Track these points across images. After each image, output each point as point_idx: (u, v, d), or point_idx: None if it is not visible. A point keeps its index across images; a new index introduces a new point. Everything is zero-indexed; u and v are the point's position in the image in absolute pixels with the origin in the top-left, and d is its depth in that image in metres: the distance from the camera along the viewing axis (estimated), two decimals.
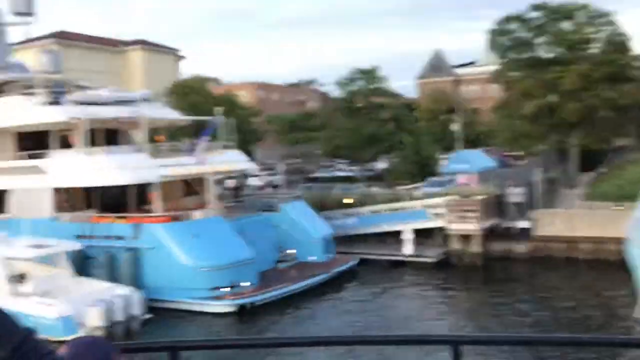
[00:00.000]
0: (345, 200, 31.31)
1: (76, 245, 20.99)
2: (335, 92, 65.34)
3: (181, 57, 75.94)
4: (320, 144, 59.36)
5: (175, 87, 59.37)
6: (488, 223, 27.43)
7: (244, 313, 20.84)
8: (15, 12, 32.51)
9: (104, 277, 21.66)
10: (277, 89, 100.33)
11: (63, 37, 64.73)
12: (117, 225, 22.80)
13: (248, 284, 21.63)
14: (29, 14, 32.77)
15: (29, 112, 25.73)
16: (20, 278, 20.70)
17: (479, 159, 40.14)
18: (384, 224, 28.70)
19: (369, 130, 53.34)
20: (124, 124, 29.16)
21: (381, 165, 66.29)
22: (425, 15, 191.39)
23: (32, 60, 36.57)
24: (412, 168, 50.98)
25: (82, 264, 22.19)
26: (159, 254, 21.53)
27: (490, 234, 27.63)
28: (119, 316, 18.74)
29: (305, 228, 26.15)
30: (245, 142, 44.30)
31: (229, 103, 66.15)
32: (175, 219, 23.14)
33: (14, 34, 35.75)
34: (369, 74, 56.56)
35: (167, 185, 27.50)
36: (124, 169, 23.40)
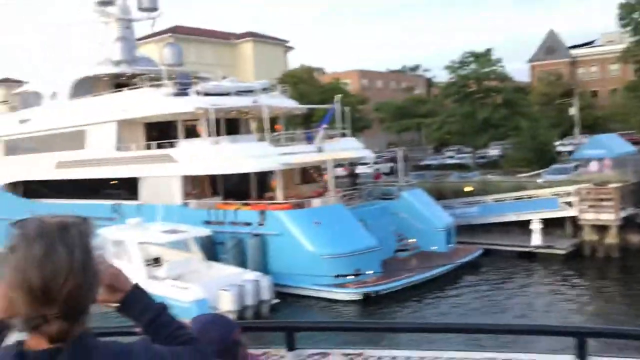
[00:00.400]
0: (466, 189, 30.30)
1: (206, 231, 21.67)
2: (443, 77, 63.49)
3: (289, 48, 77.09)
4: (430, 130, 58.02)
5: (285, 78, 60.19)
6: (625, 212, 25.49)
7: (369, 301, 20.65)
8: (140, 7, 34.12)
9: (232, 262, 22.25)
10: (380, 77, 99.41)
11: (178, 31, 67.49)
12: (243, 212, 23.32)
13: (371, 272, 21.40)
14: (153, 9, 34.27)
15: (158, 103, 26.86)
16: (155, 262, 21.76)
17: (617, 144, 37.23)
18: (510, 213, 27.46)
19: (483, 116, 51.37)
20: (245, 113, 29.83)
21: (492, 152, 63.87)
22: None
23: (154, 54, 38.41)
24: (529, 155, 48.65)
25: (211, 249, 22.92)
26: (283, 240, 21.77)
27: (628, 224, 25.67)
28: (250, 300, 19.14)
29: (426, 217, 25.52)
30: (353, 130, 44.16)
31: (337, 91, 66.49)
32: (297, 206, 23.33)
33: (138, 30, 37.58)
34: (482, 57, 54.38)
35: (286, 173, 27.84)
36: (248, 158, 23.86)
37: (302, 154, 25.12)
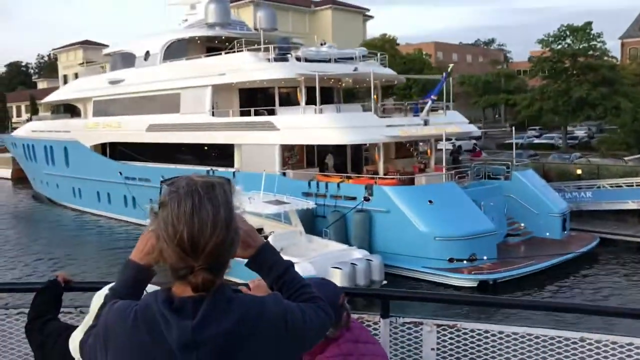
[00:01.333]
0: (578, 172, 28.10)
1: (310, 204, 20.59)
2: (519, 53, 59.84)
3: (369, 17, 74.86)
4: (519, 107, 55.07)
5: (365, 47, 58.26)
6: None
7: (483, 288, 19.16)
8: None
9: (333, 237, 21.18)
10: (456, 49, 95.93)
11: None
12: (347, 186, 22.11)
13: (486, 258, 19.88)
14: None
15: (257, 68, 25.82)
16: (260, 232, 20.88)
17: None
18: (629, 200, 25.19)
19: (579, 94, 48.17)
20: (339, 82, 28.47)
21: (578, 132, 60.27)
22: None
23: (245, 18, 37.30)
24: (629, 138, 45.38)
25: (310, 222, 21.91)
26: (392, 218, 20.48)
27: None
28: (361, 280, 18.00)
29: (540, 200, 23.64)
30: None
31: (419, 63, 64.07)
32: (404, 182, 21.95)
33: None
34: (580, 31, 50.90)
35: (383, 147, 26.47)
36: (354, 128, 22.55)
37: (408, 127, 23.63)
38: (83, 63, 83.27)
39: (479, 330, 3.06)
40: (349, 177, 23.10)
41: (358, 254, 19.20)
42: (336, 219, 21.50)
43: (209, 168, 27.32)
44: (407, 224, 20.06)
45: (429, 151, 26.14)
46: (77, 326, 2.34)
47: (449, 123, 25.50)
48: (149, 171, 30.73)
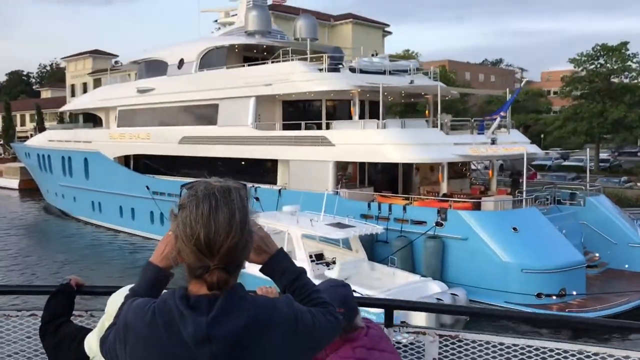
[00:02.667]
0: None
1: (378, 228, 18.55)
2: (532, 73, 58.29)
3: (388, 33, 73.46)
4: (551, 128, 53.39)
5: None
6: None
7: (578, 330, 17.10)
8: None
9: (398, 264, 19.17)
10: (468, 68, 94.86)
11: (276, 9, 65.05)
12: (415, 209, 20.11)
13: (575, 293, 17.88)
14: None
15: (308, 79, 23.96)
16: (316, 258, 18.87)
17: None
18: None
19: (615, 116, 46.53)
20: (391, 95, 26.63)
21: (603, 155, 58.47)
22: None
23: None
24: None
25: (369, 247, 19.91)
26: (470, 246, 18.49)
27: None
28: (447, 318, 15.92)
29: (619, 228, 21.70)
30: None
31: (443, 80, 62.55)
32: (476, 206, 19.99)
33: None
34: (615, 51, 49.41)
35: (434, 166, 24.60)
36: (421, 146, 20.64)
37: (476, 145, 21.73)
38: (94, 72, 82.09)
39: (480, 341, 3.19)
40: (416, 199, 21.11)
41: (436, 286, 17.15)
42: (403, 245, 19.50)
43: (250, 184, 25.32)
44: (489, 253, 18.07)
45: (490, 172, 24.25)
46: (91, 329, 2.47)
47: (514, 142, 23.66)
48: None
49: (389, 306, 3.25)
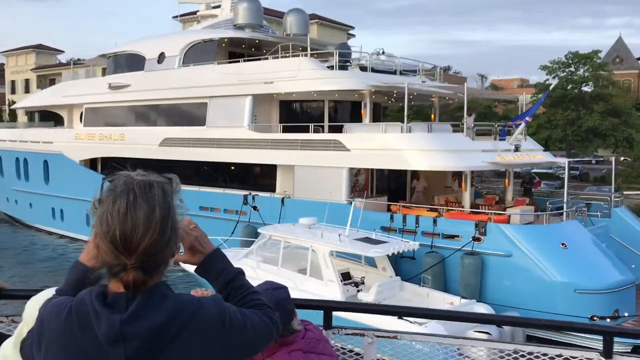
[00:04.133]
0: None
1: (414, 245, 16.57)
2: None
3: (352, 35, 71.99)
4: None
5: None
6: None
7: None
8: None
9: (429, 284, 17.30)
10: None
11: None
12: (448, 221, 18.27)
13: (627, 314, 16.47)
14: None
15: (316, 77, 21.82)
16: (345, 278, 16.74)
17: None
18: None
19: (589, 124, 46.46)
20: (395, 96, 24.84)
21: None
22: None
23: None
24: None
25: (393, 264, 17.96)
26: (514, 264, 16.79)
27: None
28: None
29: None
30: None
31: None
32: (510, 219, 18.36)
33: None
34: (588, 60, 49.50)
35: (441, 174, 23.02)
36: (450, 153, 18.85)
37: (502, 152, 20.14)
38: (38, 68, 76.86)
39: (418, 340, 3.30)
40: (447, 210, 19.27)
41: (483, 309, 15.37)
42: (434, 262, 17.62)
43: (247, 192, 22.99)
44: (537, 272, 16.40)
45: (506, 181, 22.75)
46: (9, 335, 2.23)
47: (532, 150, 22.28)
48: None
49: (327, 307, 3.24)
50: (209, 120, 24.95)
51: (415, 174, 23.65)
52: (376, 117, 25.23)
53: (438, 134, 19.86)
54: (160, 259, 1.65)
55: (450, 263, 17.67)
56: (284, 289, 2.62)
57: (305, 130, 22.49)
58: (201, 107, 25.29)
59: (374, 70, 22.12)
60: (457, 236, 17.85)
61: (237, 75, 23.86)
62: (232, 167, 24.98)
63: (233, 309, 1.77)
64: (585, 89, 50.75)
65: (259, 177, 24.03)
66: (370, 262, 17.62)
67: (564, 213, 18.20)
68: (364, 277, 16.80)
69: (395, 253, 15.94)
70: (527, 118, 20.82)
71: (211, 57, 25.76)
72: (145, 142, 27.15)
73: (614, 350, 3.12)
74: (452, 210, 18.89)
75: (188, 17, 64.74)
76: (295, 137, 21.81)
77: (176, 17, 67.08)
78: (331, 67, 21.98)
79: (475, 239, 17.32)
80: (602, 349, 3.08)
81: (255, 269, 17.23)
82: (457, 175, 24.53)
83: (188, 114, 25.96)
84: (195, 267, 1.92)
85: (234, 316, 1.74)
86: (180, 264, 1.86)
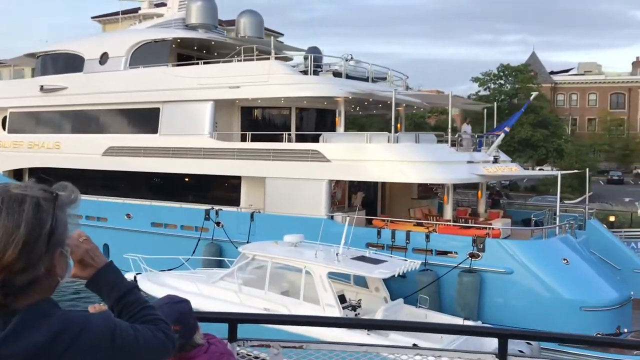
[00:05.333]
0: (611, 219, 25.71)
1: (416, 264, 15.40)
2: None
3: (280, 42, 70.63)
4: None
5: None
6: None
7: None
8: None
9: (427, 304, 16.22)
10: None
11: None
12: (441, 237, 17.25)
13: (626, 330, 16.11)
14: None
15: (289, 82, 20.30)
16: (342, 301, 15.30)
17: None
18: None
19: (521, 136, 47.68)
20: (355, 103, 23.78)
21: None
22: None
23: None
24: (574, 181, 45.37)
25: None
26: (515, 281, 16.00)
27: None
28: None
29: (623, 253, 20.55)
30: None
31: None
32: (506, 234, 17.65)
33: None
34: (520, 72, 50.91)
35: (407, 186, 22.21)
36: (438, 165, 17.91)
37: (487, 164, 19.47)
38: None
39: (324, 350, 3.36)
40: (420, 224, 18.26)
41: (483, 325, 14.43)
42: (430, 281, 16.56)
43: (208, 207, 21.05)
44: (541, 289, 15.69)
45: (479, 193, 22.16)
46: None
47: (504, 161, 21.83)
48: (107, 208, 23.51)
49: (232, 320, 3.15)
50: (163, 128, 22.77)
51: (363, 186, 22.65)
52: (322, 127, 24.06)
53: (426, 145, 18.92)
54: (24, 280, 1.56)
55: (445, 281, 16.67)
56: (185, 302, 2.52)
57: (273, 139, 20.93)
58: (153, 112, 23.05)
59: (349, 77, 20.89)
60: (452, 252, 16.90)
61: (196, 79, 21.89)
62: (189, 179, 22.92)
63: (125, 325, 1.71)
64: (514, 101, 52.12)
65: (221, 190, 22.14)
66: (360, 282, 16.32)
67: (557, 228, 17.67)
68: (360, 299, 15.43)
69: (401, 273, 14.70)
70: (506, 129, 20.33)
71: (163, 59, 23.61)
72: (85, 151, 24.49)
73: (508, 351, 3.31)
74: (444, 224, 17.92)
75: (109, 18, 61.13)
76: (266, 147, 20.17)
77: (96, 17, 63.21)
78: (304, 72, 20.56)
79: (472, 255, 16.43)
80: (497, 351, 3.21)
81: (238, 294, 15.50)
82: (425, 187, 23.83)
83: (137, 121, 23.63)
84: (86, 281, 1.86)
85: (126, 332, 1.68)
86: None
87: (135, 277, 18.30)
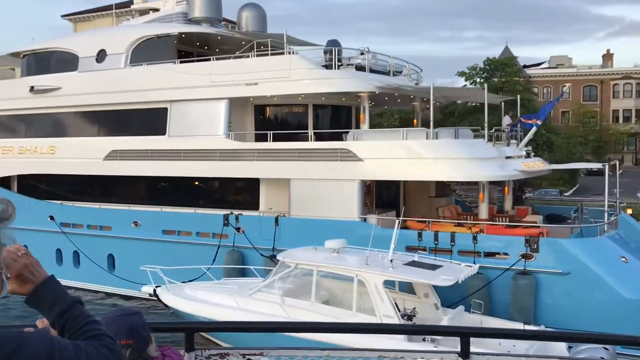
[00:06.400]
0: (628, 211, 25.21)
1: (474, 268, 14.43)
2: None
3: None
4: None
5: None
6: None
7: None
8: None
9: (482, 310, 15.28)
10: None
11: (118, 7, 58.06)
12: (490, 237, 16.33)
13: None
14: None
15: (311, 77, 19.13)
16: (400, 311, 14.23)
17: None
18: None
19: None
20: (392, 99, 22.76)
21: None
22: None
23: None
24: (565, 174, 45.37)
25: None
26: (573, 282, 15.18)
27: None
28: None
29: None
30: None
31: None
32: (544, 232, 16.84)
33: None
34: (507, 66, 50.70)
35: (423, 182, 21.35)
36: (481, 162, 16.99)
37: (523, 159, 18.67)
38: None
39: (284, 356, 3.29)
40: (461, 225, 17.33)
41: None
42: (481, 284, 15.64)
43: (227, 211, 19.74)
44: (602, 290, 14.91)
45: (506, 189, 21.38)
46: None
47: (537, 158, 21.12)
48: (110, 215, 21.96)
49: (189, 329, 3.07)
50: (172, 128, 21.33)
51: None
52: (356, 122, 23.02)
53: (466, 140, 17.98)
54: None
55: (496, 285, 15.77)
56: (138, 314, 2.46)
57: (290, 138, 19.77)
58: (160, 113, 21.58)
59: (373, 71, 19.82)
60: (501, 254, 16.01)
61: (208, 76, 20.51)
62: (202, 183, 21.57)
63: (64, 342, 1.65)
64: (500, 94, 51.86)
65: (238, 194, 20.87)
66: (404, 288, 15.32)
67: (605, 225, 16.94)
68: (414, 308, 14.40)
69: (464, 279, 13.72)
70: (537, 121, 19.54)
71: (167, 55, 22.14)
72: (84, 156, 22.85)
73: (470, 350, 3.37)
74: (495, 224, 16.99)
75: (81, 17, 58.75)
76: (291, 146, 18.96)
77: (66, 15, 60.71)
78: (326, 67, 19.42)
79: (525, 256, 15.56)
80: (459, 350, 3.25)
81: (282, 306, 14.31)
82: (442, 184, 23.00)
83: (142, 122, 22.10)
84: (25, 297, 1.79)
85: (65, 349, 1.61)
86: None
87: (154, 290, 16.94)
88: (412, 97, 21.01)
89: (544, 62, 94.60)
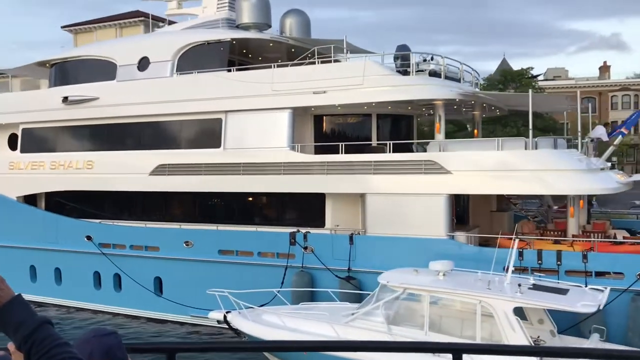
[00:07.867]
0: None
1: (606, 292, 13.13)
2: None
3: None
4: None
5: None
6: None
7: None
8: None
9: (603, 336, 13.98)
10: None
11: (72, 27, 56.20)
12: (604, 256, 15.10)
13: None
14: None
15: (389, 85, 17.84)
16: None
17: None
18: None
19: None
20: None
21: None
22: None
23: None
24: None
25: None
26: None
27: None
28: None
29: None
30: None
31: None
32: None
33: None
34: (523, 77, 50.03)
35: (481, 198, 20.26)
36: (584, 173, 15.80)
37: (615, 172, 17.58)
38: None
39: None
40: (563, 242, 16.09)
41: None
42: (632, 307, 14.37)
43: (293, 229, 18.29)
44: None
45: (581, 203, 20.24)
46: None
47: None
48: (158, 235, 20.36)
49: (170, 349, 2.97)
50: (228, 141, 19.85)
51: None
52: (411, 132, 21.82)
53: (566, 151, 16.79)
54: None
55: (613, 308, 14.51)
56: (113, 334, 2.33)
57: (355, 150, 18.50)
58: (213, 124, 20.11)
59: (448, 78, 18.63)
60: (611, 273, 14.79)
61: (269, 84, 19.12)
62: (259, 199, 20.10)
63: None
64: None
65: (302, 210, 19.42)
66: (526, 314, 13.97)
67: None
68: (539, 336, 13.07)
69: (603, 305, 12.44)
70: (623, 130, 18.48)
71: (219, 63, 20.73)
72: (127, 171, 21.25)
73: None
74: (606, 241, 15.77)
75: (82, 28, 56.89)
76: (366, 159, 17.60)
77: (66, 27, 58.85)
78: (401, 73, 18.17)
79: None
80: None
81: (390, 335, 12.89)
82: (502, 198, 21.86)
83: (193, 134, 20.62)
84: None
85: None
86: None
87: (225, 317, 15.37)
88: (472, 103, 19.84)
89: (540, 74, 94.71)
